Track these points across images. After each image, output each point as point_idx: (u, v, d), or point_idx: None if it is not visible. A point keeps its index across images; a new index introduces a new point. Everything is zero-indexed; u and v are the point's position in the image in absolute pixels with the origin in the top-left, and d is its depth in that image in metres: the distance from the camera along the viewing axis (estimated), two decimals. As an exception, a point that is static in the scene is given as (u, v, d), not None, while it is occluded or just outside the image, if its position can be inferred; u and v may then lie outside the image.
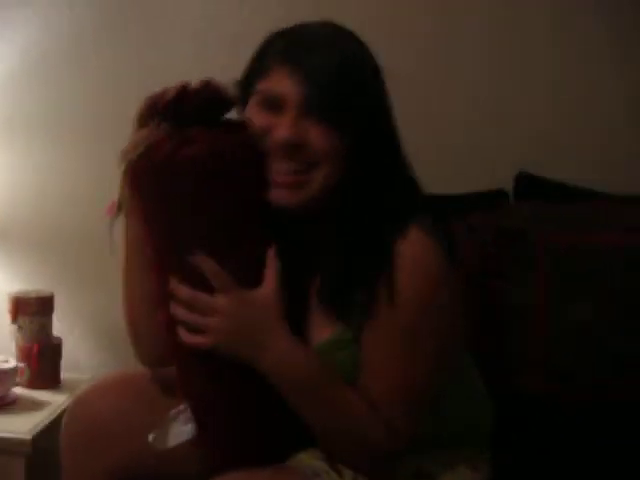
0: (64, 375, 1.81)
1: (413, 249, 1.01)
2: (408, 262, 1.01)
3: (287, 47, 1.04)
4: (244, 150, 1.02)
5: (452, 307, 1.06)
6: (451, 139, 1.79)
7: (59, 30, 1.87)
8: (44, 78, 1.89)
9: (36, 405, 1.66)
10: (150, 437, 1.09)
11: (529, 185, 1.67)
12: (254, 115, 1.04)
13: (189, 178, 0.98)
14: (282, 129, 1.01)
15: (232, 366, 1.03)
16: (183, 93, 0.99)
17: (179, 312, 1.01)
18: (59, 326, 1.83)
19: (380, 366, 1.04)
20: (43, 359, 1.75)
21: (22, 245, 1.91)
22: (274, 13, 1.77)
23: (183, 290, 1.00)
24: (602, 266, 1.45)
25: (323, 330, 1.08)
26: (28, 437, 1.53)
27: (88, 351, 1.93)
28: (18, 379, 1.69)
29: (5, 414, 1.61)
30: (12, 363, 1.68)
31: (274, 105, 1.02)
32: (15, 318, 1.75)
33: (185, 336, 1.02)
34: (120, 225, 1.14)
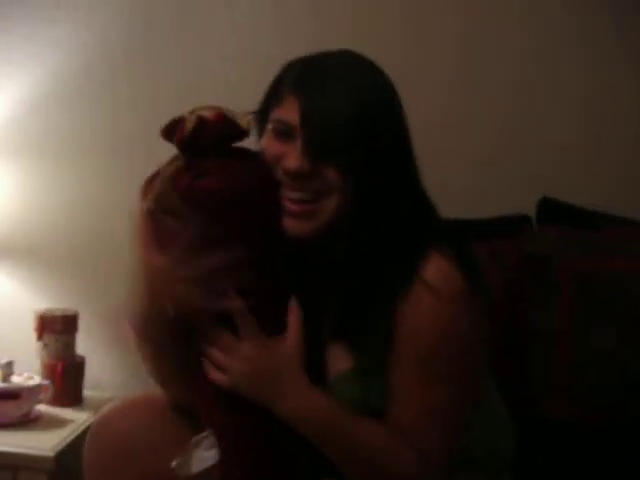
0: (86, 393, 1.83)
1: (433, 275, 1.00)
2: (427, 289, 1.00)
3: (301, 76, 1.04)
4: (259, 180, 1.03)
5: (473, 332, 1.05)
6: (473, 165, 1.80)
7: (90, 52, 1.92)
8: (75, 100, 1.93)
9: (59, 422, 1.68)
10: (174, 463, 1.09)
11: (552, 210, 1.66)
12: (268, 143, 1.05)
13: (206, 210, 0.99)
14: (291, 159, 1.00)
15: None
16: (200, 126, 0.99)
17: (204, 346, 1.03)
18: (83, 345, 1.84)
19: (406, 394, 1.03)
20: (67, 377, 1.77)
21: (48, 264, 1.94)
22: (305, 36, 1.81)
23: (210, 326, 1.02)
24: (626, 292, 1.44)
25: (341, 361, 1.07)
26: (51, 454, 1.54)
27: (111, 370, 1.95)
28: (42, 396, 1.70)
29: (29, 431, 1.62)
30: (37, 380, 1.69)
31: (285, 134, 1.02)
32: (41, 336, 1.78)
33: (209, 370, 1.04)
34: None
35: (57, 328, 1.77)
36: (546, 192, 1.69)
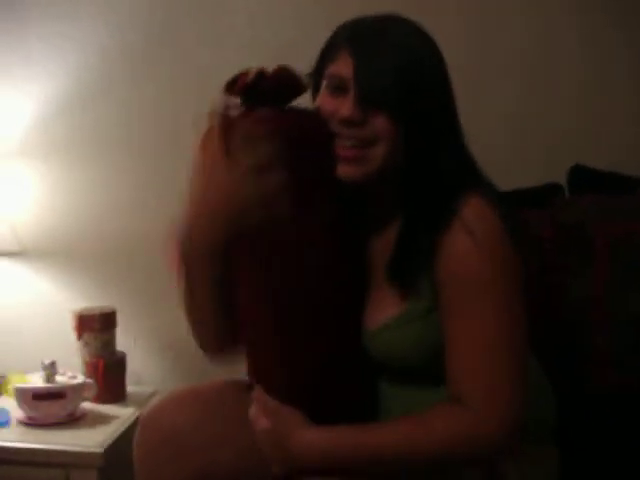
0: (128, 389, 1.86)
1: (471, 214, 1.04)
2: (468, 223, 1.03)
3: (353, 33, 1.10)
4: (311, 129, 1.09)
5: (511, 267, 1.06)
6: (501, 136, 1.78)
7: (111, 52, 1.93)
8: (99, 100, 1.95)
9: (104, 419, 1.71)
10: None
11: (583, 177, 1.64)
12: (323, 100, 1.11)
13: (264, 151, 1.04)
14: (345, 108, 1.06)
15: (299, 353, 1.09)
16: (260, 77, 1.05)
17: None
18: (123, 341, 1.87)
19: (460, 335, 1.04)
20: (108, 374, 1.80)
21: (84, 263, 1.97)
22: (319, 23, 1.78)
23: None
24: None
25: (391, 306, 1.10)
26: (100, 450, 1.57)
27: (151, 365, 1.97)
28: (86, 394, 1.73)
29: (76, 429, 1.65)
30: (80, 379, 1.72)
31: (339, 88, 1.08)
32: (80, 335, 1.80)
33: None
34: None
35: (96, 326, 1.80)
36: (576, 159, 1.67)
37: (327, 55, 1.12)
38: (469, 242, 1.03)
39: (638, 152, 1.76)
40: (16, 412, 1.68)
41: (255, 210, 1.04)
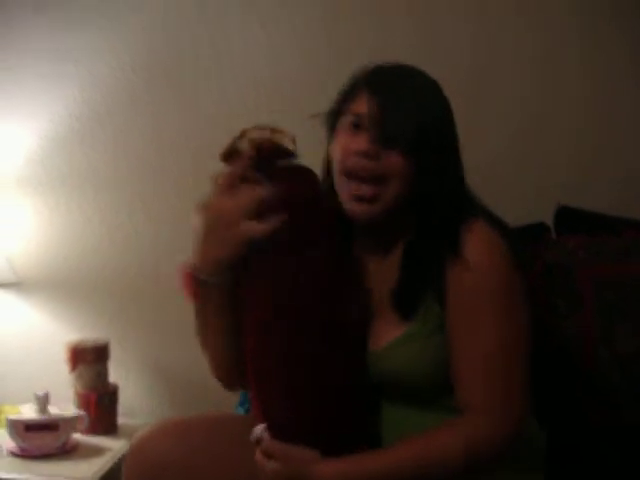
0: (120, 421, 1.86)
1: (477, 233, 1.12)
2: (473, 243, 1.11)
3: (372, 75, 1.19)
4: (307, 189, 1.18)
5: (516, 287, 1.13)
6: (490, 174, 1.82)
7: (111, 89, 1.98)
8: (97, 137, 1.99)
9: (96, 451, 1.71)
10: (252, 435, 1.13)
11: (570, 218, 1.68)
12: (341, 137, 1.18)
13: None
14: (361, 143, 1.14)
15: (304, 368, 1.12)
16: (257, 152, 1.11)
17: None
18: (115, 373, 1.88)
19: (460, 346, 1.11)
20: (101, 406, 1.81)
21: (79, 295, 1.99)
22: (319, 61, 1.85)
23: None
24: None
25: (395, 328, 1.16)
26: (91, 482, 1.57)
27: (143, 397, 1.98)
28: (79, 426, 1.73)
29: (67, 460, 1.66)
30: (73, 411, 1.73)
31: (357, 126, 1.15)
32: (74, 367, 1.81)
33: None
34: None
35: (89, 358, 1.81)
36: (562, 200, 1.71)
37: (347, 95, 1.20)
38: (475, 258, 1.10)
39: (625, 194, 1.80)
40: (8, 443, 1.69)
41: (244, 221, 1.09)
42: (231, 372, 1.22)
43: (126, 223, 1.98)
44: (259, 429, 1.11)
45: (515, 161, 1.84)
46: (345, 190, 1.16)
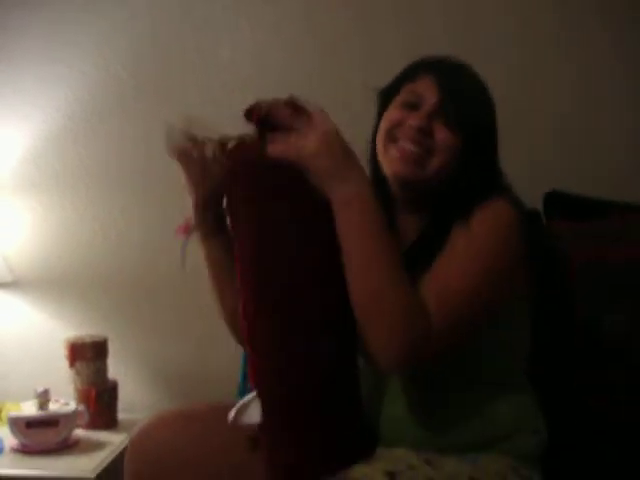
0: (121, 416, 1.89)
1: (495, 206, 1.17)
2: (487, 211, 1.16)
3: (433, 64, 1.28)
4: None
5: (513, 259, 1.16)
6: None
7: (101, 90, 1.99)
8: (89, 136, 2.01)
9: (96, 446, 1.73)
10: (232, 411, 1.13)
11: (559, 202, 1.69)
12: (392, 112, 1.25)
13: (274, 171, 1.11)
14: (416, 119, 1.21)
15: (298, 363, 1.10)
16: (273, 107, 1.11)
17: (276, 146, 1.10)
18: (114, 369, 1.90)
19: (434, 275, 1.12)
20: (100, 401, 1.83)
21: (77, 293, 2.01)
22: (304, 63, 1.86)
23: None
24: (634, 278, 1.47)
25: None
26: (92, 476, 1.59)
27: (143, 392, 2.00)
28: (79, 422, 1.75)
29: (68, 455, 1.68)
30: (73, 406, 1.75)
31: (413, 104, 1.23)
32: (73, 363, 1.83)
33: (283, 149, 1.09)
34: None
35: (88, 355, 1.83)
36: (551, 185, 1.72)
37: (407, 75, 1.28)
38: (479, 220, 1.14)
39: (614, 177, 1.82)
40: (9, 440, 1.71)
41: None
42: (237, 326, 1.23)
43: (119, 220, 2.00)
44: (233, 411, 1.12)
45: (503, 146, 1.85)
46: (390, 153, 1.22)
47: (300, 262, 1.11)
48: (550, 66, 1.85)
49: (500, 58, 1.85)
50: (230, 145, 1.15)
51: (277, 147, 1.08)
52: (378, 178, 1.28)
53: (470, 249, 1.13)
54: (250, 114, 1.13)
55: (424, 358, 1.07)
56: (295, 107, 1.11)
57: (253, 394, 1.12)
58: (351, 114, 1.57)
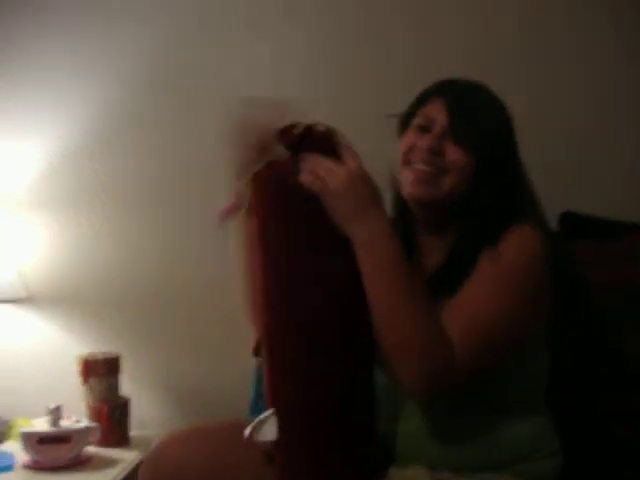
0: (133, 433, 1.88)
1: (521, 232, 1.18)
2: (514, 239, 1.17)
3: (444, 86, 1.31)
4: None
5: (538, 289, 1.17)
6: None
7: (118, 105, 2.01)
8: (105, 152, 2.02)
9: (108, 462, 1.72)
10: (248, 429, 1.13)
11: (574, 223, 1.69)
12: (408, 136, 1.28)
13: (302, 193, 1.12)
14: (426, 140, 1.24)
15: (318, 383, 1.10)
16: (308, 132, 1.14)
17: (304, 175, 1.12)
18: (127, 386, 1.90)
19: (459, 305, 1.14)
20: (113, 418, 1.82)
21: (91, 309, 2.01)
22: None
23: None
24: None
25: None
26: (104, 493, 1.58)
27: (155, 409, 2.00)
28: (91, 438, 1.75)
29: (81, 472, 1.67)
30: (85, 423, 1.74)
31: (425, 127, 1.26)
32: (86, 379, 1.83)
33: (305, 179, 1.11)
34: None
35: (101, 371, 1.83)
36: (565, 206, 1.72)
37: (421, 100, 1.31)
38: (506, 248, 1.16)
39: (627, 198, 1.81)
40: (21, 456, 1.71)
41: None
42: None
43: (135, 236, 2.00)
44: (249, 428, 1.12)
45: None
46: (405, 176, 1.25)
47: (325, 284, 1.12)
48: (562, 77, 1.86)
49: (513, 75, 1.85)
50: (296, 131, 1.14)
51: (305, 178, 1.11)
52: (400, 201, 1.31)
53: (497, 280, 1.15)
54: (284, 134, 1.14)
55: (446, 388, 1.09)
56: (329, 137, 1.14)
57: (269, 411, 1.12)
58: (365, 136, 1.58)
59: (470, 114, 1.25)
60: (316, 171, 1.11)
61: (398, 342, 1.09)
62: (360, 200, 1.11)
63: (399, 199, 1.32)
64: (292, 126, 1.14)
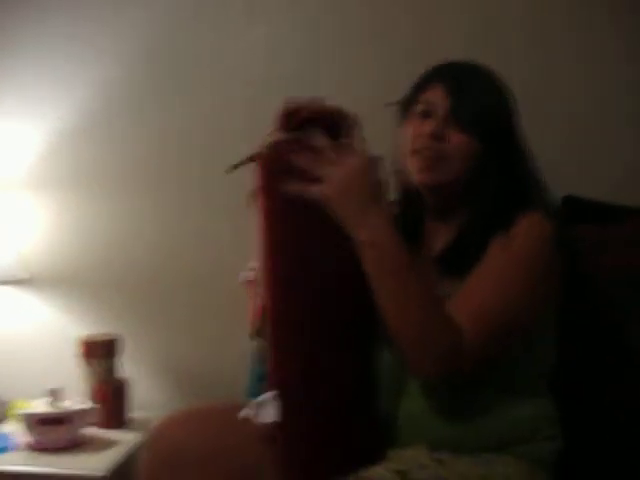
0: (132, 414, 1.88)
1: (530, 219, 1.19)
2: (524, 225, 1.18)
3: (443, 70, 1.31)
4: None
5: (547, 275, 1.19)
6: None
7: (117, 88, 1.99)
8: (105, 134, 2.01)
9: (107, 444, 1.73)
10: (244, 410, 1.14)
11: (576, 207, 1.68)
12: (411, 122, 1.28)
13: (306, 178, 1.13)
14: (428, 126, 1.24)
15: (320, 369, 1.12)
16: (314, 113, 1.14)
17: (303, 161, 1.12)
18: (126, 367, 1.90)
19: (468, 291, 1.16)
20: (112, 400, 1.83)
21: (91, 291, 2.01)
22: (330, 62, 1.86)
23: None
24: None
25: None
26: (104, 474, 1.59)
27: (154, 390, 2.00)
28: (90, 420, 1.75)
29: (80, 453, 1.67)
30: (85, 404, 1.75)
31: (427, 113, 1.26)
32: (85, 361, 1.84)
33: (302, 188, 1.12)
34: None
35: (100, 353, 1.83)
36: (566, 190, 1.71)
37: (420, 86, 1.31)
38: (517, 233, 1.17)
39: (629, 182, 1.80)
40: (21, 437, 1.71)
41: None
42: None
43: (134, 218, 2.00)
44: (246, 410, 1.12)
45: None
46: (413, 165, 1.25)
47: (331, 266, 1.14)
48: (559, 67, 1.84)
49: (513, 61, 1.83)
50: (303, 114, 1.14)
51: (297, 188, 1.11)
52: (407, 188, 1.32)
53: (507, 266, 1.16)
54: (288, 117, 1.14)
55: (453, 373, 1.10)
56: (338, 120, 1.14)
57: (270, 393, 1.12)
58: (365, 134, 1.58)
59: (470, 97, 1.25)
60: (313, 173, 1.11)
61: (406, 332, 1.10)
62: (359, 200, 1.12)
63: (406, 186, 1.32)
64: (299, 108, 1.13)
